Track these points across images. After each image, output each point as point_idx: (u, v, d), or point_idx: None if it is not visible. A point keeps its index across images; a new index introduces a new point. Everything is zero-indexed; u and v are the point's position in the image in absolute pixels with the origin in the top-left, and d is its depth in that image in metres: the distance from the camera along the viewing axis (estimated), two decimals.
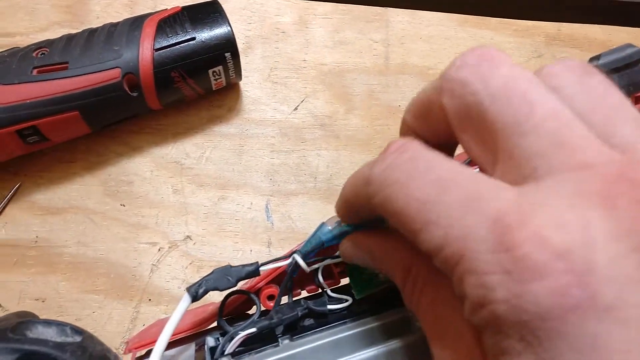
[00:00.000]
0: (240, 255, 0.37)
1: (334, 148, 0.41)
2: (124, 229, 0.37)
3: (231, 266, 0.26)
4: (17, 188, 0.37)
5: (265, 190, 0.39)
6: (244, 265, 0.26)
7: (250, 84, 0.42)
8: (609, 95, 0.15)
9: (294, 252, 0.26)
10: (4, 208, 0.36)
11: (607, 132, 0.14)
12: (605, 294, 0.12)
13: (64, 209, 0.37)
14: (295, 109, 0.41)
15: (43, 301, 0.35)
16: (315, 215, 0.39)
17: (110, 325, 0.36)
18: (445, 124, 0.17)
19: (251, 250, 0.38)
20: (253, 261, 0.28)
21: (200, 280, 0.25)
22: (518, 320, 0.12)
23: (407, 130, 0.20)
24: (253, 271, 0.26)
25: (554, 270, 0.12)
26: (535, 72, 0.17)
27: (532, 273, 0.12)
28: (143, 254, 0.37)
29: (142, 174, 0.39)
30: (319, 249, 0.27)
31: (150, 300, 0.36)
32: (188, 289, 0.25)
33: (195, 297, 0.25)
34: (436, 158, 0.16)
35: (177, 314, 0.24)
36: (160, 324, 0.31)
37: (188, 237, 0.38)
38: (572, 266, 0.12)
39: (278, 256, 0.27)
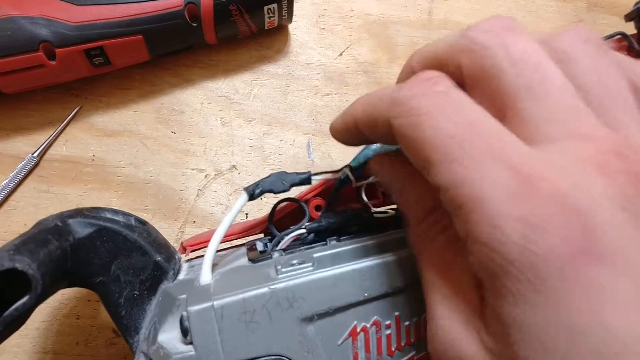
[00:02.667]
0: None
1: None
2: (173, 154, 0.40)
3: (286, 172, 0.27)
4: (78, 110, 0.39)
5: (308, 129, 0.41)
6: (297, 173, 0.27)
7: (298, 28, 0.43)
8: (612, 77, 0.17)
9: (345, 166, 0.28)
10: (65, 127, 0.39)
11: (601, 111, 0.16)
12: (601, 245, 0.13)
13: (119, 132, 0.40)
14: (340, 54, 0.43)
15: None
16: (355, 155, 0.41)
17: None
18: (456, 79, 0.18)
19: None
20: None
21: (257, 181, 0.27)
22: (527, 262, 0.14)
23: (410, 76, 0.20)
24: (306, 179, 0.27)
25: (567, 222, 0.14)
26: (549, 36, 0.18)
27: (548, 223, 0.14)
28: (190, 179, 0.39)
29: (193, 105, 0.41)
30: (365, 165, 0.28)
31: (194, 222, 0.38)
32: (246, 188, 0.26)
33: (251, 196, 0.26)
34: (465, 98, 0.17)
35: (234, 210, 0.26)
36: (211, 230, 0.33)
37: (233, 166, 0.40)
38: (580, 220, 0.14)
39: (330, 170, 0.29)
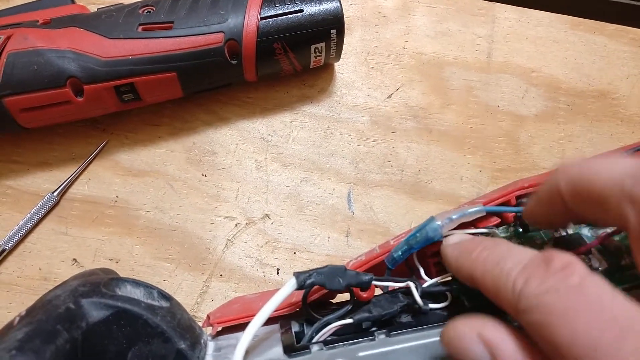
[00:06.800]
0: (318, 241, 0.36)
1: (425, 142, 0.38)
2: (202, 199, 0.36)
3: (345, 268, 0.24)
4: (104, 145, 0.37)
5: (349, 178, 0.38)
6: (358, 273, 0.24)
7: (345, 66, 0.40)
8: None
9: (410, 279, 0.25)
10: (89, 164, 0.36)
11: None
12: None
13: (146, 172, 0.37)
14: (389, 97, 0.39)
15: (117, 262, 0.35)
16: (399, 210, 0.37)
17: (178, 296, 0.35)
18: (609, 222, 0.17)
19: (329, 238, 0.36)
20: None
21: (311, 270, 0.23)
22: None
23: (553, 195, 0.18)
24: (365, 282, 0.24)
25: None
26: None
27: None
28: (219, 228, 0.36)
29: (227, 145, 0.38)
30: (423, 245, 0.25)
31: (221, 275, 0.35)
32: (297, 276, 0.23)
33: (302, 286, 0.23)
34: (607, 290, 0.15)
35: (279, 297, 0.23)
36: (241, 301, 0.30)
37: (267, 215, 0.36)
38: None
39: (394, 277, 0.25)
